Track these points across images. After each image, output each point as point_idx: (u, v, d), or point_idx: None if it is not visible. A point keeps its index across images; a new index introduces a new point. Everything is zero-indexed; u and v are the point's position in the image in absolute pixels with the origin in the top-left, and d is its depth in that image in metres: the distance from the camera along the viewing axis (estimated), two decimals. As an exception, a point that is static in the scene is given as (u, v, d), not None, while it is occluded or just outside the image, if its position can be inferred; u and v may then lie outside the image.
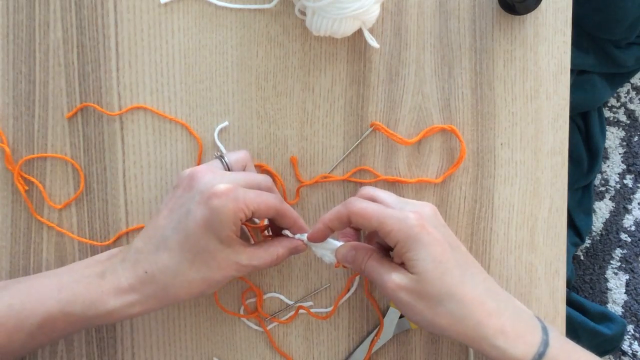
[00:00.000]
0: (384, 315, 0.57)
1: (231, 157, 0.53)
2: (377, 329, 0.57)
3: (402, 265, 0.48)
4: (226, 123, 0.56)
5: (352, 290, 0.57)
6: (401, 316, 0.57)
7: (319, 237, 0.51)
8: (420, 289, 0.47)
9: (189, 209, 0.47)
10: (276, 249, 0.51)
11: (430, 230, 0.47)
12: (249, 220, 0.57)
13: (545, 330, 0.48)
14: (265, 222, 0.55)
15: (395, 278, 0.47)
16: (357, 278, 0.57)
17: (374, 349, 0.57)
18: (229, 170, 0.52)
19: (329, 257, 0.52)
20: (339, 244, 0.52)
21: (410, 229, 0.47)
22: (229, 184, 0.47)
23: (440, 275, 0.47)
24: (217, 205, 0.46)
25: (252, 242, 0.56)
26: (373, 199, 0.50)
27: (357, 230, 0.54)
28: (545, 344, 0.47)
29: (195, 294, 0.49)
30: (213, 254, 0.48)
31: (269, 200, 0.49)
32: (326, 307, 0.58)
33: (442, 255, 0.47)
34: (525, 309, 0.50)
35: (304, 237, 0.52)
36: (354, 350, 0.57)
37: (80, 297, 0.48)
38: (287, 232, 0.52)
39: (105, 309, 0.47)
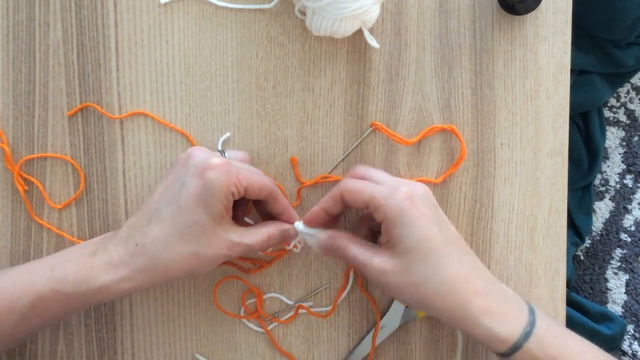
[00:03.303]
0: (387, 308, 0.57)
1: (231, 153, 0.54)
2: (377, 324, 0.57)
3: (387, 243, 0.48)
4: (228, 134, 0.56)
5: (350, 285, 0.57)
6: (407, 306, 0.57)
7: (314, 220, 0.52)
8: (404, 268, 0.47)
9: (183, 182, 0.48)
10: (267, 229, 0.51)
11: (419, 207, 0.47)
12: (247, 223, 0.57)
13: (532, 312, 0.48)
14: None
15: (377, 263, 0.48)
16: (351, 273, 0.57)
17: (377, 342, 0.57)
18: None
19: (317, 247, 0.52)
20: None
21: (398, 204, 0.47)
22: (221, 160, 0.48)
23: (425, 254, 0.47)
24: (210, 176, 0.47)
25: None
26: (365, 177, 0.51)
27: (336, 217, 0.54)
28: (532, 324, 0.47)
29: (186, 270, 0.48)
30: (204, 228, 0.47)
31: (262, 180, 0.50)
32: (326, 307, 0.58)
33: (429, 232, 0.47)
34: (513, 292, 0.50)
35: (300, 223, 0.52)
36: (356, 346, 0.57)
37: (71, 275, 0.47)
38: (298, 223, 0.52)
39: (96, 285, 0.47)
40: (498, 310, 0.47)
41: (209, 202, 0.47)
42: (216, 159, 0.48)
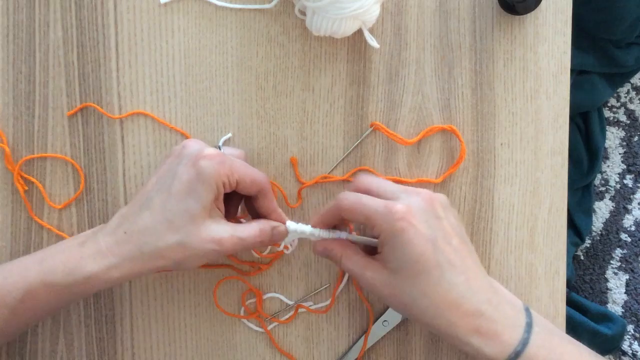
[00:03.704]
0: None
1: (227, 149, 0.54)
2: (374, 323, 0.57)
3: (381, 255, 0.48)
4: (230, 135, 0.56)
5: (345, 280, 0.57)
6: None
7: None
8: (394, 286, 0.47)
9: (176, 171, 0.48)
10: (258, 224, 0.50)
11: (416, 225, 0.46)
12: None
13: (528, 327, 0.48)
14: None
15: (368, 277, 0.48)
16: None
17: (373, 340, 0.57)
18: None
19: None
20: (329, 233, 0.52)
21: (392, 224, 0.46)
22: (215, 151, 0.48)
23: (415, 275, 0.46)
24: (202, 165, 0.47)
25: None
26: (368, 191, 0.50)
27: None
28: (524, 342, 0.47)
29: (172, 260, 0.47)
30: (193, 217, 0.47)
31: (254, 174, 0.50)
32: (325, 303, 0.58)
33: (421, 254, 0.46)
34: (514, 304, 0.49)
35: (292, 222, 0.51)
36: (353, 344, 0.57)
37: (60, 266, 0.47)
38: (290, 223, 0.51)
39: (83, 275, 0.47)
40: (488, 330, 0.47)
41: (199, 191, 0.47)
42: (210, 149, 0.48)
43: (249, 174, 0.49)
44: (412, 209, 0.47)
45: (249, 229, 0.49)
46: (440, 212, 0.48)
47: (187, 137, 0.56)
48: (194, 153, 0.48)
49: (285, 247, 0.54)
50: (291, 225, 0.51)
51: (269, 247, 0.57)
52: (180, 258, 0.47)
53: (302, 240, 0.57)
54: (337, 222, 0.51)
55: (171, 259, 0.47)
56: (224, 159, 0.48)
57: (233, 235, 0.48)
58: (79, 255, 0.47)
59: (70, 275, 0.47)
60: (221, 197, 0.49)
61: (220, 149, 0.54)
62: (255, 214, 0.53)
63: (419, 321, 0.48)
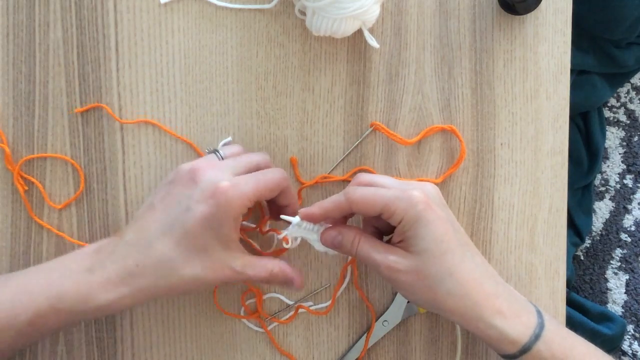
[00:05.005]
0: (387, 305, 0.57)
1: (226, 150, 0.53)
2: (375, 322, 0.57)
3: (401, 243, 0.48)
4: (229, 139, 0.56)
5: (347, 282, 0.57)
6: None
7: (313, 221, 0.51)
8: (419, 268, 0.47)
9: (189, 206, 0.47)
10: (272, 266, 0.50)
11: (434, 208, 0.47)
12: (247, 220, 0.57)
13: (540, 314, 0.49)
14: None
15: (391, 261, 0.47)
16: (349, 268, 0.57)
17: (372, 340, 0.57)
18: None
19: (319, 245, 0.52)
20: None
21: (414, 207, 0.47)
22: (230, 181, 0.47)
23: (440, 254, 0.47)
24: (219, 202, 0.46)
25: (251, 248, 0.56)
26: (371, 185, 0.50)
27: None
28: (541, 326, 0.48)
29: (185, 292, 0.49)
30: (209, 253, 0.47)
31: (270, 182, 0.49)
32: (325, 303, 0.58)
33: (445, 234, 0.47)
34: (519, 294, 0.51)
35: (297, 219, 0.51)
36: (354, 344, 0.57)
37: (69, 293, 0.47)
38: (284, 217, 0.51)
39: (95, 304, 0.47)
40: (509, 312, 0.48)
41: (218, 229, 0.46)
42: (224, 183, 0.47)
43: (264, 188, 0.48)
44: (428, 195, 0.48)
45: (260, 270, 0.49)
46: (444, 202, 0.51)
47: (187, 142, 0.56)
48: (209, 188, 0.46)
49: (285, 240, 0.52)
50: (298, 221, 0.50)
51: (274, 244, 0.57)
52: (191, 289, 0.48)
53: (303, 240, 0.56)
54: (342, 214, 0.50)
55: (184, 290, 0.48)
56: (242, 190, 0.47)
57: (243, 272, 0.48)
58: (89, 284, 0.47)
59: (81, 305, 0.47)
60: (239, 225, 0.48)
61: (217, 152, 0.52)
62: (274, 206, 0.53)
63: (443, 306, 0.48)
